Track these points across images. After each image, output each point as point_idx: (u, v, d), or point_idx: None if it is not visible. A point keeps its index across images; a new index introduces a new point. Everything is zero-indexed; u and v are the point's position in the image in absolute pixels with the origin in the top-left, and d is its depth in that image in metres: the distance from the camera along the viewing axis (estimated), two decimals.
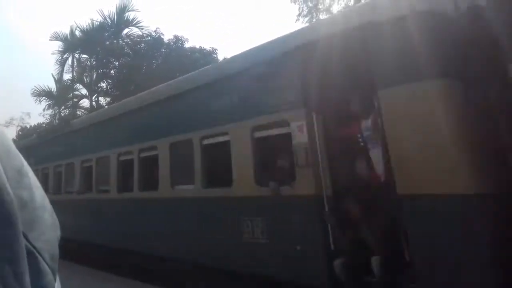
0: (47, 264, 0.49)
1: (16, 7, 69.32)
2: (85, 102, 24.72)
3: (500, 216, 3.17)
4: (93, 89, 23.37)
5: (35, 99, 24.60)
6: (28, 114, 34.55)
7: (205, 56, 22.68)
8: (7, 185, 0.44)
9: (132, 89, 20.04)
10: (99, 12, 29.74)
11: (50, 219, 0.54)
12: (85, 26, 23.32)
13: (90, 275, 7.65)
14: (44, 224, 0.52)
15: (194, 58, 21.98)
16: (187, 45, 23.61)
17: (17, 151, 0.52)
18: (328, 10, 19.55)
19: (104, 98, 23.74)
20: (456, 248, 3.24)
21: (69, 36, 23.58)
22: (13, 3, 69.35)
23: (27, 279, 0.43)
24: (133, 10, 22.99)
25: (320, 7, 19.64)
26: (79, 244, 8.46)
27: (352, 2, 18.22)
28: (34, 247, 0.47)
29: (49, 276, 0.49)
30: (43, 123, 25.21)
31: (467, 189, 3.19)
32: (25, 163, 0.53)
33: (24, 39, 68.50)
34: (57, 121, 22.85)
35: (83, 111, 23.91)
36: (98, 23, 23.13)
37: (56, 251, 0.52)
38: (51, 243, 0.52)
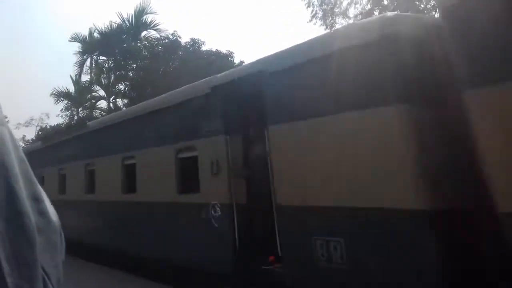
0: None
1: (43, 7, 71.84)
2: (102, 104, 25.05)
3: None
4: (110, 91, 23.63)
5: (54, 100, 25.03)
6: (47, 114, 35.12)
7: (222, 59, 22.68)
8: (29, 211, 0.46)
9: (149, 91, 20.15)
10: (118, 14, 30.14)
11: (59, 243, 0.56)
12: (103, 28, 23.64)
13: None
14: (54, 249, 0.53)
15: (210, 60, 21.99)
16: (203, 48, 23.67)
17: (34, 178, 0.54)
18: (344, 13, 19.19)
19: (121, 100, 23.96)
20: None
21: (87, 38, 23.92)
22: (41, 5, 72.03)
23: None
24: (151, 13, 23.22)
25: (336, 10, 19.26)
26: None
27: (369, 6, 17.88)
28: (45, 272, 0.48)
29: None
30: (61, 123, 25.58)
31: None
32: (40, 189, 0.55)
33: (48, 39, 70.46)
34: (74, 122, 23.17)
35: (100, 112, 24.20)
36: (117, 25, 23.40)
37: (61, 275, 0.53)
38: (57, 268, 0.53)
